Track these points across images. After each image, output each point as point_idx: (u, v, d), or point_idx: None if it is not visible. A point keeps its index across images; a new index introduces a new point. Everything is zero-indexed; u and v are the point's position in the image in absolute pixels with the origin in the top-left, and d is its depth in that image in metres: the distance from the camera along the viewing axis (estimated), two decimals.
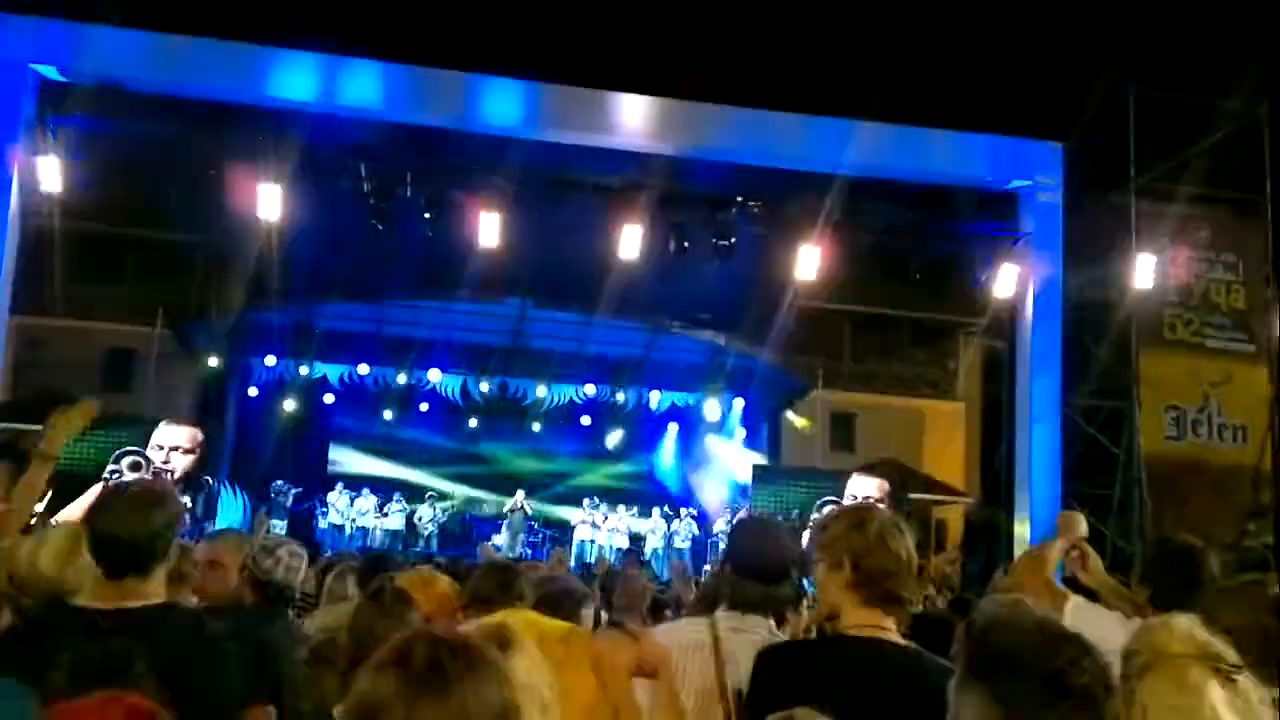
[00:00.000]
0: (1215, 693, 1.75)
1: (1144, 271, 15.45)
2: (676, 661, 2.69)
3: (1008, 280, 13.28)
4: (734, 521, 15.29)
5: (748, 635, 2.88)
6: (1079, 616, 3.18)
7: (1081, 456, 17.49)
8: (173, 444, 15.30)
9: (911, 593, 2.51)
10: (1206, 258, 18.10)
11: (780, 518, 15.40)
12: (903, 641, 2.49)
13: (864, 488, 16.55)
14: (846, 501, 15.57)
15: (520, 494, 19.76)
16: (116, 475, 12.58)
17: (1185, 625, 1.85)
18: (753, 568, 2.99)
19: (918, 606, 5.17)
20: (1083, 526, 3.87)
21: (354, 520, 19.01)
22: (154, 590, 2.62)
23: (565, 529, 19.35)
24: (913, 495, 19.68)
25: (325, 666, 3.09)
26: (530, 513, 19.45)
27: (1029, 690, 1.61)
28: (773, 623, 3.00)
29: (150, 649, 2.39)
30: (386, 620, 2.97)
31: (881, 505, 15.96)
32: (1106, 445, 18.03)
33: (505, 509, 19.74)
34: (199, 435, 15.77)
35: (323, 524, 18.95)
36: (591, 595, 5.36)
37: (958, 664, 1.78)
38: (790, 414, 21.36)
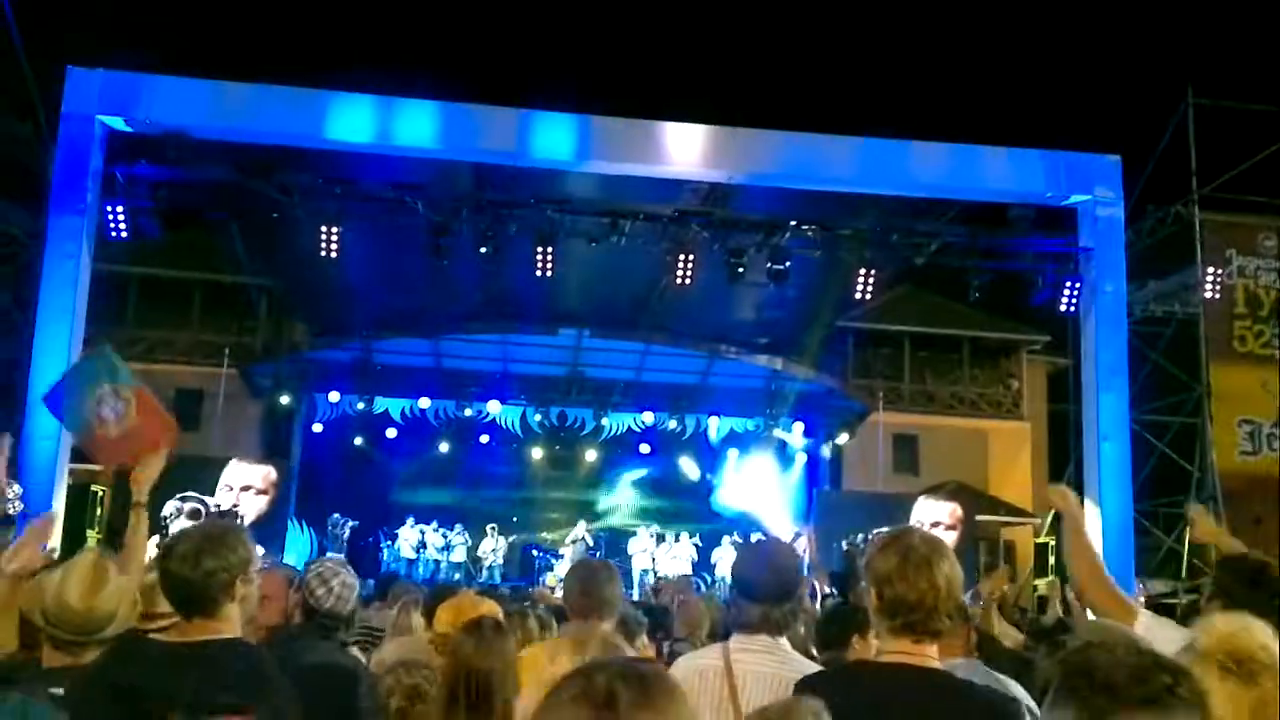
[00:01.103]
0: None
1: (1210, 283, 15.13)
2: (690, 687, 2.70)
3: (1070, 296, 13.05)
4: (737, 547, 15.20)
5: (756, 655, 2.92)
6: (1152, 632, 3.12)
7: (1154, 474, 17.13)
8: (244, 483, 15.52)
9: (941, 624, 2.44)
10: (1275, 267, 17.70)
11: (845, 543, 15.25)
12: (935, 666, 2.43)
13: (930, 513, 16.30)
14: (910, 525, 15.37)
15: (581, 524, 19.78)
16: (174, 518, 12.83)
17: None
18: (750, 590, 3.03)
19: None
20: (1069, 496, 3.77)
21: (420, 553, 19.16)
22: (226, 627, 2.69)
23: (626, 558, 19.32)
24: (980, 517, 19.38)
25: (422, 704, 3.13)
26: (591, 543, 19.46)
27: (1127, 714, 1.58)
28: (785, 642, 3.01)
29: (220, 680, 2.49)
30: (486, 652, 3.01)
31: (951, 530, 15.76)
32: (1179, 461, 17.63)
33: (567, 539, 19.77)
34: (273, 474, 15.95)
35: (388, 557, 19.13)
36: (644, 624, 5.36)
37: (1052, 687, 1.76)
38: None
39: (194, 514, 13.29)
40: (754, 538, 18.07)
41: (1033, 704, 2.49)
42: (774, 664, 2.87)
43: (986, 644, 4.48)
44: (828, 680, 2.58)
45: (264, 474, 15.77)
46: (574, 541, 19.38)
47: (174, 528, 13.21)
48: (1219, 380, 17.33)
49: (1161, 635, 3.05)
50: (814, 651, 4.13)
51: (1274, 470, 16.90)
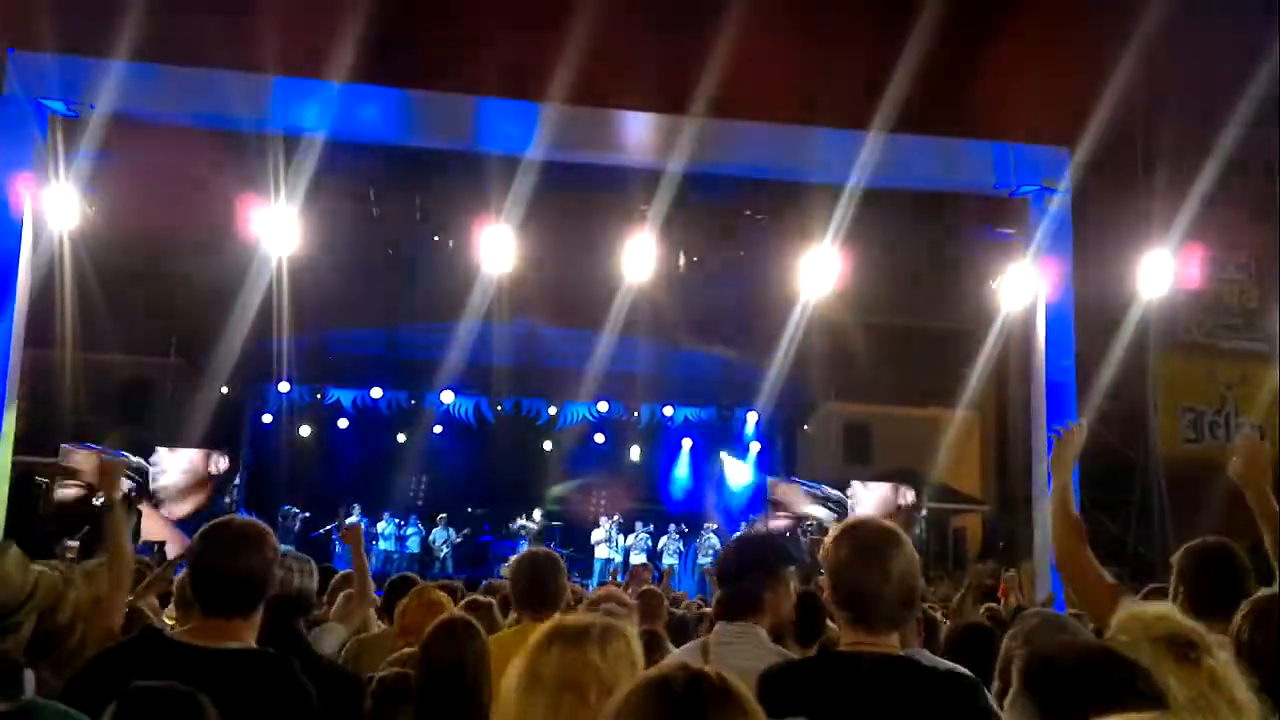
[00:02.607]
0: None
1: (1155, 273, 15.40)
2: None
3: (1018, 286, 13.24)
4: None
5: (736, 649, 2.94)
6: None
7: (1099, 462, 17.39)
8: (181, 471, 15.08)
9: (897, 614, 2.45)
10: (1217, 258, 18.04)
11: (800, 531, 15.38)
12: (896, 653, 2.45)
13: (870, 499, 16.39)
14: (858, 515, 15.52)
15: (537, 513, 19.73)
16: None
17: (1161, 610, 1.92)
18: (732, 573, 3.08)
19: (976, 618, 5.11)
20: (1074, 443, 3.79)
21: (371, 544, 18.99)
22: (248, 632, 2.57)
23: (588, 548, 19.31)
24: (930, 504, 19.62)
25: (399, 705, 3.09)
26: (543, 531, 19.43)
27: (1079, 707, 1.61)
28: (763, 632, 3.02)
29: (241, 692, 2.36)
30: (461, 651, 2.98)
31: (891, 516, 15.89)
32: (1123, 450, 17.94)
33: (519, 528, 19.72)
34: (222, 463, 15.49)
35: (340, 549, 18.93)
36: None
37: (1013, 679, 1.81)
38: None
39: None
40: (757, 526, 18.19)
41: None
42: (752, 659, 2.85)
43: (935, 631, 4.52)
44: (790, 672, 2.59)
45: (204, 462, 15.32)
46: (526, 530, 19.34)
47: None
48: (1163, 369, 17.66)
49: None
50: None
51: (1217, 457, 17.25)
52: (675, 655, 3.24)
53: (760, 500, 19.74)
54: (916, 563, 2.48)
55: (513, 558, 17.92)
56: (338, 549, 18.79)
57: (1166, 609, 2.12)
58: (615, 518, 19.68)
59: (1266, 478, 3.43)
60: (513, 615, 4.18)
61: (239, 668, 2.47)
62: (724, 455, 21.57)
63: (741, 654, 2.91)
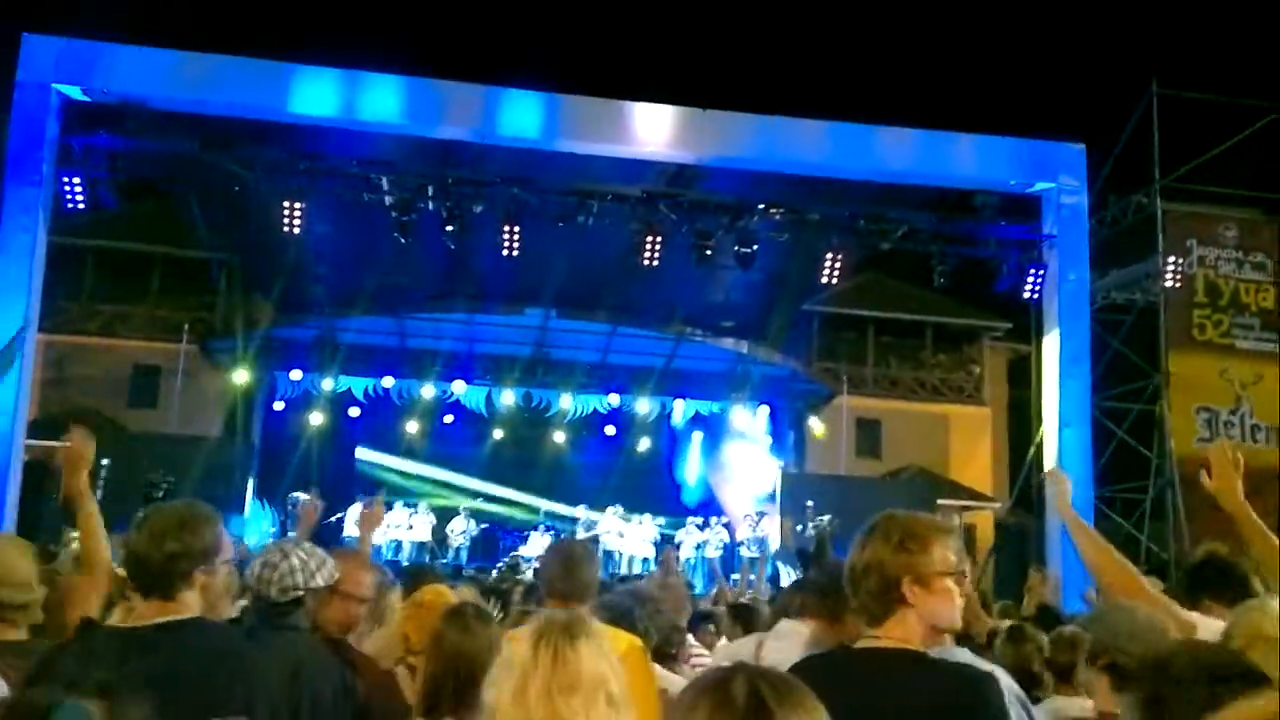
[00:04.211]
0: None
1: (1170, 272, 15.31)
2: None
3: (1033, 284, 13.15)
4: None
5: (789, 644, 2.89)
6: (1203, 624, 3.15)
7: (1113, 460, 17.34)
8: None
9: (870, 604, 2.44)
10: (1235, 258, 17.93)
11: (810, 525, 15.33)
12: (906, 648, 2.41)
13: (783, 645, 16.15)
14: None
15: (544, 504, 19.74)
16: None
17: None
18: (807, 579, 3.04)
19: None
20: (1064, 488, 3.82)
21: (381, 533, 19.02)
22: (183, 611, 2.58)
23: (594, 539, 19.29)
24: (940, 501, 19.55)
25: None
26: (550, 522, 19.45)
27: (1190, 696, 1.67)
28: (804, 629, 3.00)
29: (183, 660, 2.41)
30: (472, 639, 2.96)
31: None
32: (1138, 448, 17.86)
33: (534, 519, 19.75)
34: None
35: (346, 536, 18.96)
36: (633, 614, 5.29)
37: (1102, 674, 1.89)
38: (813, 420, 21.22)
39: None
40: (767, 521, 18.10)
41: (1013, 684, 2.48)
42: (803, 653, 2.84)
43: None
44: (813, 666, 2.58)
45: None
46: (538, 523, 19.35)
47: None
48: (1178, 368, 17.56)
49: (1205, 626, 3.06)
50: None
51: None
52: (727, 647, 3.25)
53: (772, 496, 19.69)
54: (884, 551, 2.44)
55: (521, 547, 17.98)
56: (346, 536, 18.85)
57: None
58: (623, 510, 19.64)
59: (1238, 488, 3.39)
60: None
61: (172, 638, 2.50)
62: (734, 448, 21.53)
63: (794, 649, 2.90)
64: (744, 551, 17.91)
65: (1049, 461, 13.22)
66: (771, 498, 19.58)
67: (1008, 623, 5.21)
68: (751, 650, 3.04)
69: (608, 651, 1.93)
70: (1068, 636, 3.87)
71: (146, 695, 1.96)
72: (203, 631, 2.59)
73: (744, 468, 21.35)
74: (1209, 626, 3.04)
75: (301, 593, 3.14)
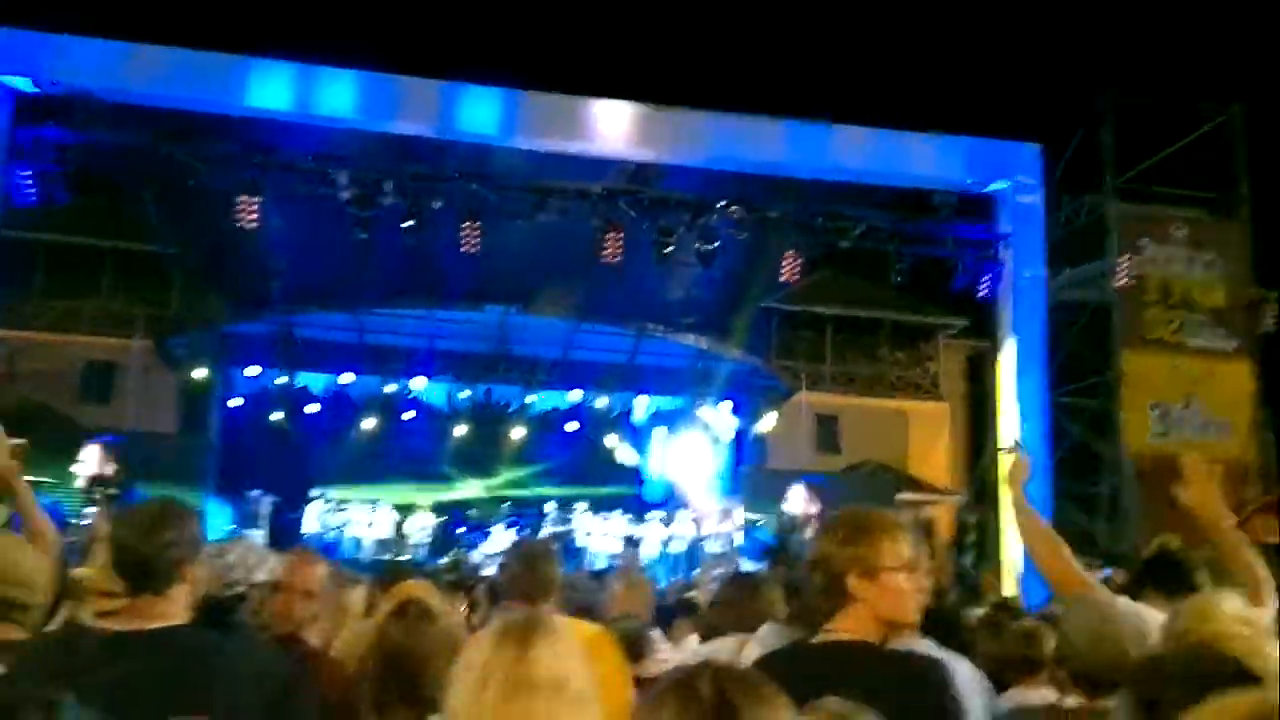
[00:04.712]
0: None
1: (1123, 271, 15.53)
2: None
3: (989, 282, 13.31)
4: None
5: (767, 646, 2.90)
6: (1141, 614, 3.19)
7: (1069, 456, 17.58)
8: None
9: (818, 599, 2.47)
10: (1185, 257, 18.23)
11: (778, 519, 15.43)
12: (853, 639, 2.43)
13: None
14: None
15: (506, 505, 19.67)
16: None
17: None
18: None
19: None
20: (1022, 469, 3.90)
21: (340, 529, 18.87)
22: (174, 609, 2.56)
23: (564, 536, 19.26)
24: (900, 495, 19.73)
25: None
26: (513, 517, 19.38)
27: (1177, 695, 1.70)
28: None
29: (174, 670, 2.40)
30: (416, 638, 2.93)
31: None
32: (1093, 444, 18.13)
33: (495, 515, 19.67)
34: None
35: (305, 533, 18.79)
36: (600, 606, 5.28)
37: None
38: (767, 417, 21.21)
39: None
40: (733, 516, 18.14)
41: (976, 674, 2.51)
42: None
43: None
44: (775, 660, 2.59)
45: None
46: (497, 519, 19.28)
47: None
48: (1131, 366, 17.83)
49: (1150, 616, 3.10)
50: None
51: (1184, 453, 17.45)
52: (707, 646, 3.25)
53: (734, 489, 19.77)
54: (830, 546, 2.47)
55: (481, 543, 17.89)
56: (305, 533, 18.69)
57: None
58: (587, 507, 19.63)
59: (1216, 497, 3.47)
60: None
61: (167, 647, 2.47)
62: (696, 443, 21.58)
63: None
64: (709, 546, 17.97)
65: (1006, 457, 13.37)
66: (732, 492, 19.67)
67: (977, 612, 5.25)
68: (732, 650, 3.04)
69: (571, 649, 1.91)
70: (1028, 629, 3.92)
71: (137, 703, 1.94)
72: (196, 639, 2.57)
73: (705, 463, 21.41)
74: (1150, 616, 3.09)
75: (243, 588, 3.12)
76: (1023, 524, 3.69)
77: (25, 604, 2.80)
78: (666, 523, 19.29)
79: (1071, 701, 2.82)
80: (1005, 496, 14.50)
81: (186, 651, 2.50)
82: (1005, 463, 3.85)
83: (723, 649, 3.18)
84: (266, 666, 2.64)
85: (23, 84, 11.34)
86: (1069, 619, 2.94)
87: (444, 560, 17.08)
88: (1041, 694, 3.12)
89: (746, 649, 3.13)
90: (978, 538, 16.99)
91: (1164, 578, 3.75)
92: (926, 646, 2.50)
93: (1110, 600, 3.15)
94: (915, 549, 2.48)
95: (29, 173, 11.37)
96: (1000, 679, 3.49)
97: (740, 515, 18.53)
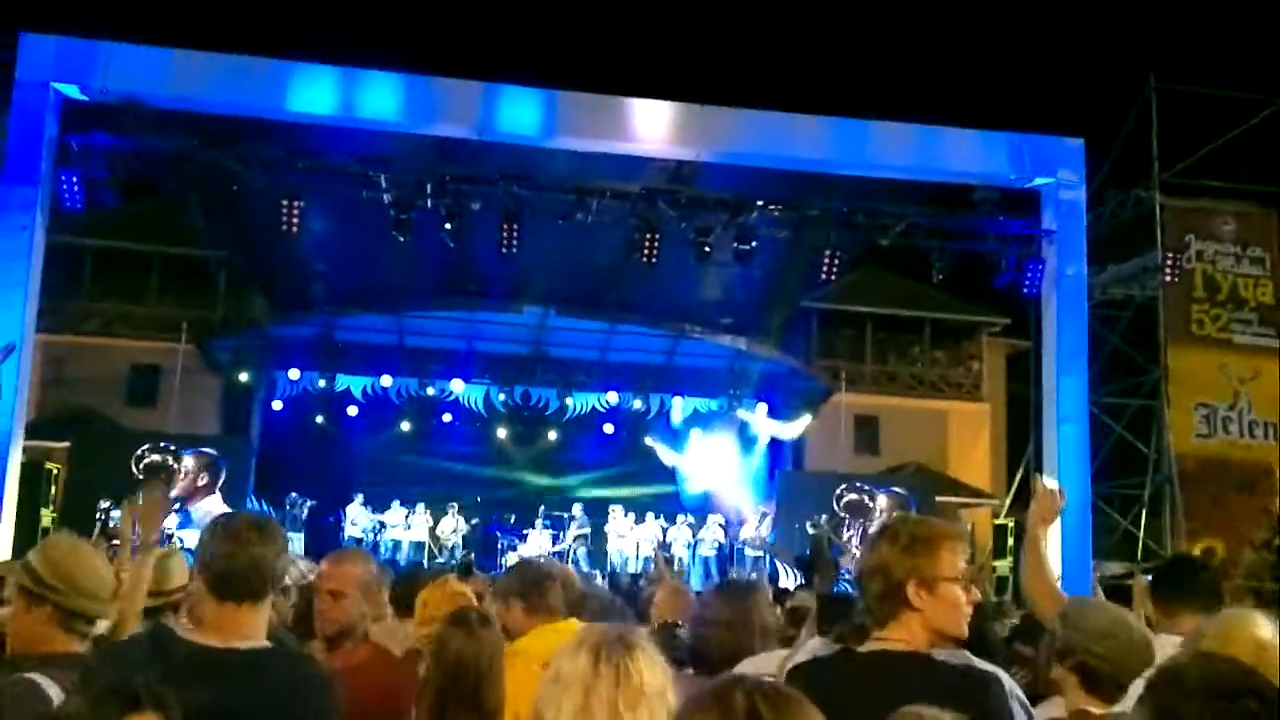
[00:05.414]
0: None
1: (1169, 267, 15.31)
2: None
3: (1031, 279, 13.15)
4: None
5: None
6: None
7: (1111, 456, 17.36)
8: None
9: (877, 607, 2.47)
10: (1233, 252, 17.95)
11: (810, 526, 15.35)
12: (911, 650, 2.43)
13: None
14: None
15: (576, 508, 19.70)
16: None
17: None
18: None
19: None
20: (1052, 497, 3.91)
21: (379, 532, 19.01)
22: (259, 625, 2.56)
23: (601, 539, 19.30)
24: (940, 498, 19.56)
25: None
26: (549, 521, 19.44)
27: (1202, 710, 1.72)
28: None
29: (255, 690, 2.40)
30: (475, 645, 2.95)
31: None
32: (1136, 444, 17.88)
33: (532, 518, 19.72)
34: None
35: (346, 537, 18.96)
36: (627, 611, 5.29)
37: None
38: (804, 418, 21.12)
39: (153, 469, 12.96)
40: (768, 519, 18.10)
41: (1014, 685, 2.49)
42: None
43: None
44: (819, 667, 2.58)
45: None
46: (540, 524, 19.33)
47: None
48: (1176, 363, 17.57)
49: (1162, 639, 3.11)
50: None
51: (1228, 453, 17.18)
52: (750, 664, 3.24)
53: (771, 491, 19.69)
54: (891, 554, 2.46)
55: (519, 546, 17.97)
56: (345, 535, 18.86)
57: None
58: (623, 509, 19.65)
59: (1045, 527, 3.73)
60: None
61: (254, 668, 2.47)
62: (731, 445, 21.52)
63: None
64: (748, 551, 17.91)
65: (1047, 458, 13.22)
66: (769, 495, 19.59)
67: (1011, 622, 5.22)
68: (777, 665, 3.03)
69: (661, 661, 1.93)
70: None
71: None
72: (286, 661, 2.60)
73: (743, 466, 21.35)
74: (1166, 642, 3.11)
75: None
76: (1033, 565, 3.72)
77: (92, 616, 2.76)
78: (696, 526, 19.26)
79: (1096, 710, 2.82)
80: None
81: (277, 679, 2.50)
82: (1038, 496, 3.83)
83: (766, 663, 3.16)
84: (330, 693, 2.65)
85: (71, 91, 11.53)
86: (1076, 614, 2.95)
87: (454, 561, 17.18)
88: (1049, 706, 3.10)
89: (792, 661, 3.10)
90: (1017, 542, 16.80)
91: (1186, 583, 3.75)
92: (965, 658, 2.49)
93: (1118, 608, 3.17)
94: (968, 561, 2.50)
95: (77, 179, 11.55)
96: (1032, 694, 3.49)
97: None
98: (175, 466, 13.28)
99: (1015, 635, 4.64)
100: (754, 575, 11.14)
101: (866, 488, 15.92)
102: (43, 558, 2.72)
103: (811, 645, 3.16)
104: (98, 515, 12.51)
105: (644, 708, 1.83)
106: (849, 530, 16.08)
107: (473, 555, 18.18)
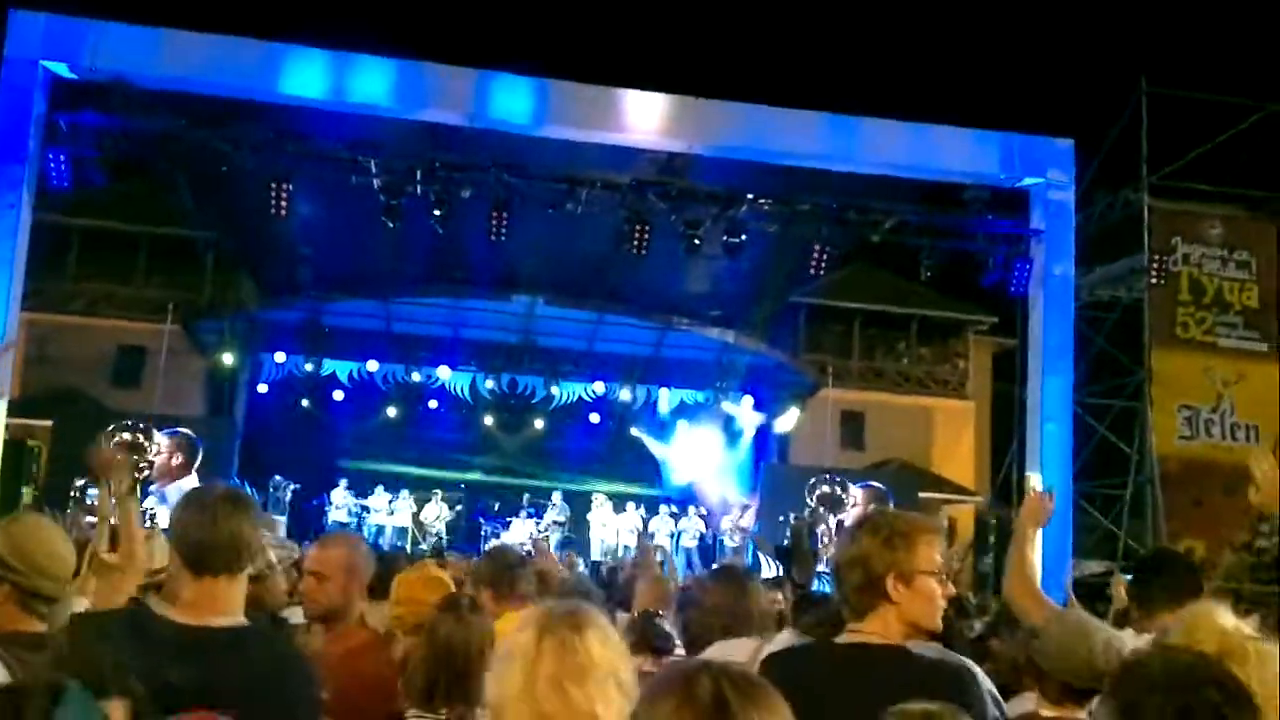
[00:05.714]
0: None
1: (1155, 269, 15.36)
2: None
3: (1019, 278, 13.19)
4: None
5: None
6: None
7: (1094, 456, 17.46)
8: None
9: (854, 599, 2.48)
10: (1219, 255, 18.04)
11: (791, 516, 15.38)
12: (889, 643, 2.45)
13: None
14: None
15: (556, 495, 19.72)
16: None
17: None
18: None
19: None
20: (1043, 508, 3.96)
21: (362, 517, 19.01)
22: (236, 600, 2.53)
23: (585, 526, 19.34)
24: (922, 494, 19.64)
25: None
26: (533, 509, 19.46)
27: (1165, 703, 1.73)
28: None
29: (236, 669, 2.37)
30: (465, 630, 2.96)
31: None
32: (1118, 444, 17.98)
33: (517, 505, 19.75)
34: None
35: (329, 521, 18.94)
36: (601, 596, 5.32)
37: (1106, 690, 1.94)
38: (790, 412, 21.16)
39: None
40: (750, 511, 18.11)
41: (986, 679, 2.52)
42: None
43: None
44: (794, 657, 2.59)
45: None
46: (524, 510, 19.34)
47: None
48: (1160, 365, 17.66)
49: (1126, 637, 3.16)
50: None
51: (1211, 455, 17.28)
52: (720, 648, 3.25)
53: (756, 484, 19.74)
54: (871, 546, 2.48)
55: (503, 533, 17.99)
56: (328, 519, 18.84)
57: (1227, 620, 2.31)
58: (605, 498, 19.68)
59: (1034, 531, 3.80)
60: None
61: (227, 643, 2.45)
62: (720, 437, 21.57)
63: None
64: (728, 541, 17.96)
65: (1031, 457, 13.28)
66: (753, 487, 19.63)
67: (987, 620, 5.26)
68: (749, 653, 3.04)
69: (615, 639, 1.93)
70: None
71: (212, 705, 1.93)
72: (264, 639, 2.58)
73: (728, 458, 21.39)
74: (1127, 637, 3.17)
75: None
76: (1016, 563, 3.77)
77: (51, 597, 2.70)
78: (677, 516, 19.30)
79: (1047, 711, 2.87)
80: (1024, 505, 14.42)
81: (255, 656, 2.48)
82: (1029, 498, 3.88)
83: (738, 650, 3.17)
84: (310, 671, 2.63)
85: (60, 69, 11.44)
86: (1046, 630, 3.02)
87: (423, 547, 17.19)
88: (1022, 701, 3.16)
89: (762, 652, 3.12)
90: (999, 539, 16.89)
91: (1165, 579, 3.78)
92: (939, 651, 2.52)
93: (1086, 619, 3.20)
94: (945, 555, 2.53)
95: (65, 157, 11.47)
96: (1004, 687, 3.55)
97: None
98: (147, 445, 13.14)
99: (990, 630, 4.69)
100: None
101: (839, 479, 15.92)
102: (4, 536, 2.67)
103: (784, 636, 3.19)
104: (72, 493, 12.43)
105: (591, 683, 1.82)
106: (823, 525, 16.15)
107: (445, 541, 18.20)
